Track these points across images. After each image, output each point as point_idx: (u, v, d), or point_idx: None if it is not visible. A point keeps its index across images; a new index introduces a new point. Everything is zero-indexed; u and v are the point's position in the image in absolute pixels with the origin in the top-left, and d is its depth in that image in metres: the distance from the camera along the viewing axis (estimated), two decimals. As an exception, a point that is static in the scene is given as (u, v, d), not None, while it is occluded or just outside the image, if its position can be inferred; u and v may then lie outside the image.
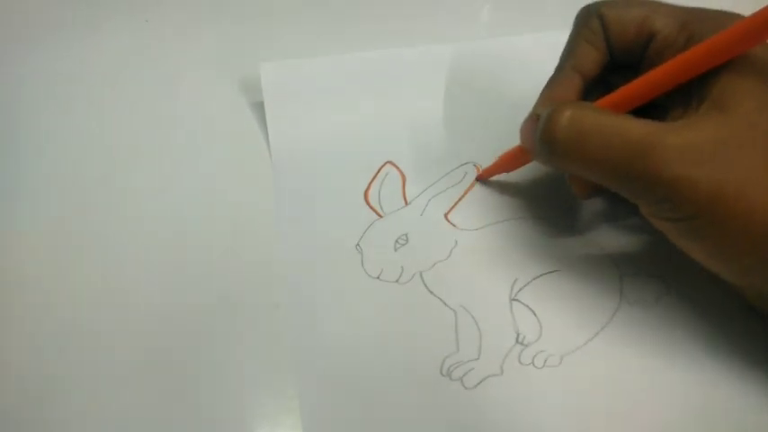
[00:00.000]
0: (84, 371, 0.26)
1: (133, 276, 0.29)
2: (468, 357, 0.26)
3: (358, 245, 0.29)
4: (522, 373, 0.26)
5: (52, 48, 0.37)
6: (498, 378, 0.26)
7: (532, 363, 0.26)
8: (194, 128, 0.34)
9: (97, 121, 0.34)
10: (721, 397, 0.25)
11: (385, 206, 0.30)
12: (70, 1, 0.39)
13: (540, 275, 0.28)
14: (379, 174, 0.31)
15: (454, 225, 0.30)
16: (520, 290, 0.28)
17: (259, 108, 0.34)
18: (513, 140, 0.28)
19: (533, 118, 0.25)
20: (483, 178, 0.31)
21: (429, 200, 0.31)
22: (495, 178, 0.31)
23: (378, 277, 0.28)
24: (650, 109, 0.24)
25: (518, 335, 0.27)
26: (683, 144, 0.21)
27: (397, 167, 0.32)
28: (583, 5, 0.27)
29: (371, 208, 0.30)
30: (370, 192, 0.31)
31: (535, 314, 0.27)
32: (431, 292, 0.28)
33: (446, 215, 0.30)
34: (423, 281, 0.28)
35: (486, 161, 0.31)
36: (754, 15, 0.20)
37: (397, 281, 0.28)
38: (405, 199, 0.31)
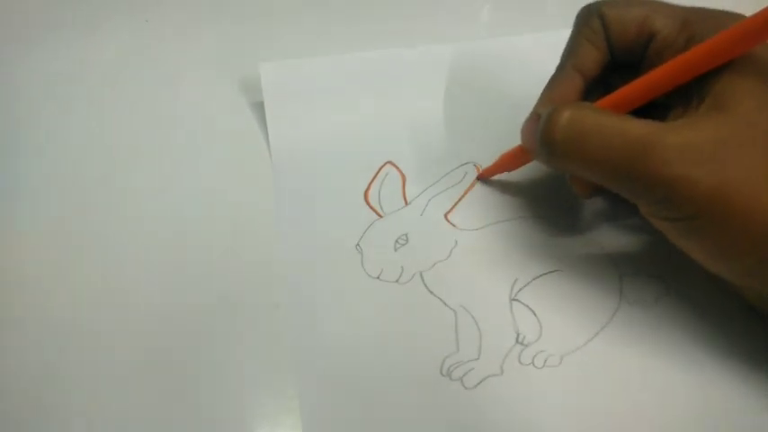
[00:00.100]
0: (84, 371, 0.26)
1: (133, 276, 0.29)
2: (468, 357, 0.26)
3: (358, 245, 0.29)
4: (522, 373, 0.26)
5: (52, 48, 0.37)
6: (498, 378, 0.26)
7: (532, 363, 0.26)
8: (194, 128, 0.34)
9: (97, 121, 0.34)
10: (721, 397, 0.25)
11: (385, 206, 0.30)
12: (70, 1, 0.39)
13: (540, 275, 0.28)
14: (379, 174, 0.31)
15: (454, 225, 0.30)
16: (520, 290, 0.28)
17: (259, 108, 0.34)
18: (513, 140, 0.29)
19: (534, 118, 0.25)
20: (484, 178, 0.31)
21: (429, 200, 0.31)
22: (495, 178, 0.31)
23: (378, 277, 0.28)
24: (651, 109, 0.24)
25: (518, 335, 0.27)
26: (683, 143, 0.21)
27: (397, 167, 0.32)
28: (583, 5, 0.27)
29: (371, 208, 0.30)
30: (370, 192, 0.31)
31: (535, 314, 0.27)
32: (431, 292, 0.28)
33: (446, 215, 0.30)
34: (423, 281, 0.28)
35: (486, 161, 0.31)
36: (755, 16, 0.20)
37: (397, 281, 0.28)
38: (405, 199, 0.31)
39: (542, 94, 0.27)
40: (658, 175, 0.21)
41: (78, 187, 0.32)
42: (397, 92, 0.34)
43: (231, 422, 0.25)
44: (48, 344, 0.27)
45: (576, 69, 0.26)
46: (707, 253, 0.23)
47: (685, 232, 0.23)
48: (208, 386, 0.26)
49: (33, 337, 0.27)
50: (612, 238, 0.29)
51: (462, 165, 0.32)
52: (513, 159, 0.29)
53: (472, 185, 0.31)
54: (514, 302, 0.28)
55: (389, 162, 0.32)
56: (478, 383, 0.26)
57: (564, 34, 0.27)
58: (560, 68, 0.27)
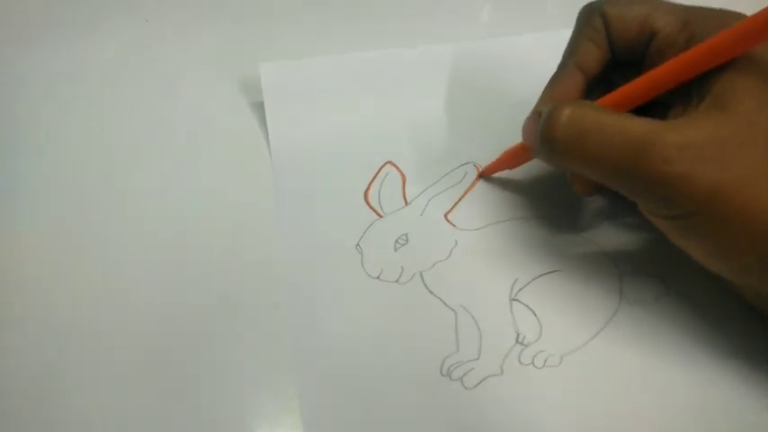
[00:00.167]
0: (84, 371, 0.26)
1: (133, 276, 0.29)
2: (468, 357, 0.26)
3: (358, 245, 0.29)
4: (522, 373, 0.26)
5: (52, 48, 0.37)
6: (498, 378, 0.26)
7: (532, 363, 0.26)
8: (194, 128, 0.34)
9: (97, 121, 0.34)
10: (721, 397, 0.25)
11: (385, 206, 0.30)
12: (70, 1, 0.39)
13: (540, 275, 0.28)
14: (379, 174, 0.31)
15: (454, 225, 0.30)
16: (520, 290, 0.28)
17: (259, 108, 0.34)
18: (513, 140, 0.29)
19: (535, 116, 0.25)
20: (485, 175, 0.31)
21: (429, 200, 0.31)
22: (496, 177, 0.31)
23: (378, 277, 0.28)
24: (651, 107, 0.24)
25: (518, 335, 0.27)
26: (683, 142, 0.21)
27: (397, 167, 0.32)
28: (585, 4, 0.27)
29: (371, 208, 0.30)
30: (370, 192, 0.31)
31: (535, 314, 0.27)
32: (431, 292, 0.28)
33: (446, 215, 0.30)
34: (423, 281, 0.28)
35: (486, 161, 0.31)
36: (756, 15, 0.20)
37: (397, 281, 0.28)
38: (405, 199, 0.31)
39: (543, 92, 0.27)
40: (658, 173, 0.21)
41: (78, 187, 0.32)
42: (397, 92, 0.34)
43: (231, 422, 0.25)
44: (48, 344, 0.27)
45: (578, 67, 0.26)
46: (706, 251, 0.23)
47: (684, 230, 0.23)
48: (208, 386, 0.26)
49: (33, 337, 0.27)
50: (612, 238, 0.29)
51: (462, 165, 0.32)
52: (514, 157, 0.29)
53: (472, 185, 0.31)
54: (514, 302, 0.28)
55: (389, 162, 0.32)
56: (478, 383, 0.26)
57: (564, 34, 0.27)
58: (562, 66, 0.27)
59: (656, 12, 0.25)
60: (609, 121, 0.22)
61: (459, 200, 0.31)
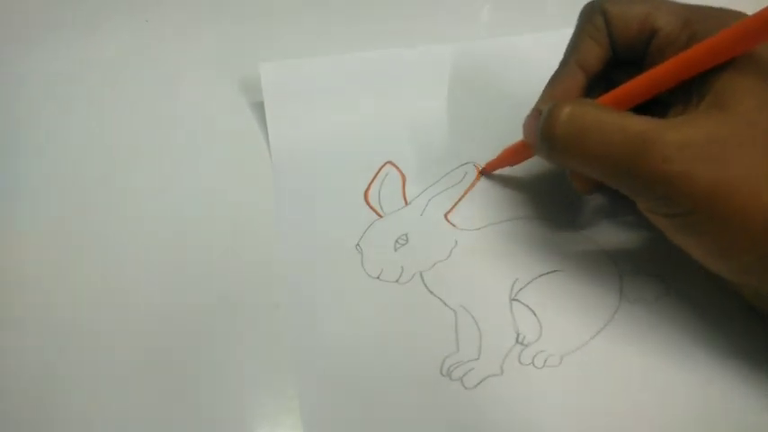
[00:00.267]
0: (84, 371, 0.26)
1: (133, 276, 0.29)
2: (468, 357, 0.26)
3: (358, 245, 0.29)
4: (522, 373, 0.26)
5: (52, 48, 0.37)
6: (498, 378, 0.26)
7: (532, 363, 0.26)
8: (194, 128, 0.34)
9: (97, 121, 0.34)
10: (721, 397, 0.25)
11: (385, 206, 0.30)
12: (70, 1, 0.39)
13: (540, 275, 0.28)
14: (379, 174, 0.31)
15: (454, 225, 0.30)
16: (520, 290, 0.28)
17: (259, 108, 0.34)
18: (513, 140, 0.29)
19: (535, 113, 0.25)
20: (486, 172, 0.31)
21: (429, 200, 0.31)
22: (496, 175, 0.31)
23: (378, 277, 0.28)
24: (652, 106, 0.24)
25: (518, 335, 0.27)
26: (682, 140, 0.21)
27: (397, 167, 0.32)
28: (586, 3, 0.27)
29: (371, 208, 0.30)
30: (370, 192, 0.31)
31: (535, 314, 0.27)
32: (431, 292, 0.28)
33: (446, 215, 0.30)
34: (423, 281, 0.28)
35: (486, 161, 0.31)
36: (756, 15, 0.20)
37: (397, 281, 0.28)
38: (405, 199, 0.31)
39: (544, 89, 0.27)
40: (657, 171, 0.21)
41: (78, 187, 0.32)
42: (397, 92, 0.34)
43: (231, 422, 0.25)
44: (48, 344, 0.27)
45: (579, 65, 0.26)
46: (705, 250, 0.23)
47: (684, 229, 0.23)
48: (208, 386, 0.26)
49: (33, 337, 0.27)
50: (612, 238, 0.29)
51: (462, 165, 0.32)
52: (514, 154, 0.29)
53: (472, 185, 0.31)
54: (514, 302, 0.28)
55: (389, 162, 0.32)
56: (478, 383, 0.26)
57: (564, 34, 0.27)
58: (563, 64, 0.27)
59: (656, 10, 0.25)
60: (609, 120, 0.22)
61: (459, 200, 0.31)
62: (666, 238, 0.24)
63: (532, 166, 0.30)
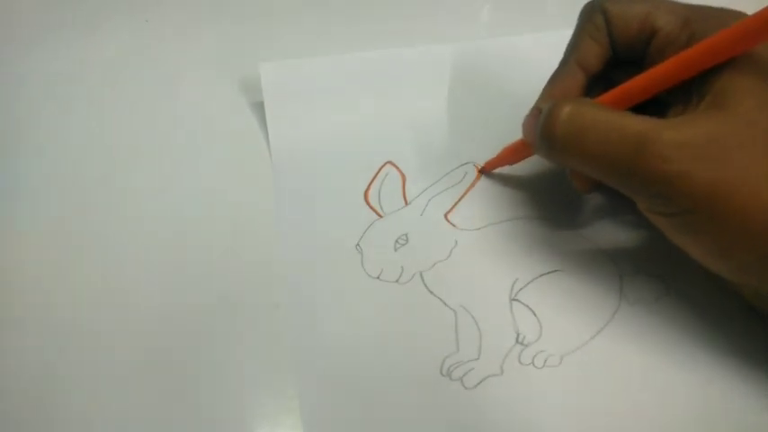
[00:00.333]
0: (84, 371, 0.26)
1: (133, 276, 0.29)
2: (468, 357, 0.26)
3: (358, 245, 0.29)
4: (522, 373, 0.26)
5: (52, 48, 0.37)
6: (498, 378, 0.26)
7: (532, 363, 0.26)
8: (194, 128, 0.34)
9: (97, 121, 0.34)
10: (721, 397, 0.25)
11: (385, 206, 0.30)
12: (70, 1, 0.39)
13: (541, 275, 0.28)
14: (379, 174, 0.31)
15: (454, 225, 0.30)
16: (520, 290, 0.28)
17: (259, 108, 0.34)
18: (513, 140, 0.29)
19: (535, 112, 0.25)
20: (486, 171, 0.31)
21: (429, 200, 0.31)
22: (496, 175, 0.31)
23: (378, 277, 0.28)
24: (651, 105, 0.24)
25: (518, 335, 0.27)
26: (681, 140, 0.21)
27: (397, 167, 0.32)
28: (586, 2, 0.27)
29: (371, 208, 0.30)
30: (370, 192, 0.31)
31: (535, 314, 0.27)
32: (431, 292, 0.28)
33: (446, 215, 0.30)
34: (423, 281, 0.28)
35: (486, 161, 0.31)
36: (756, 15, 0.20)
37: (397, 281, 0.28)
38: (405, 199, 0.31)
39: (544, 89, 0.27)
40: (656, 171, 0.21)
41: (78, 187, 0.32)
42: (397, 92, 0.34)
43: (231, 422, 0.25)
44: (48, 344, 0.27)
45: (579, 64, 0.26)
46: (704, 249, 0.23)
47: (683, 228, 0.23)
48: (208, 386, 0.26)
49: (33, 337, 0.27)
50: (612, 238, 0.29)
51: (462, 165, 0.32)
52: (514, 152, 0.29)
53: (472, 185, 0.31)
54: (514, 302, 0.28)
55: (389, 162, 0.32)
56: (478, 383, 0.26)
57: (564, 34, 0.27)
58: (563, 64, 0.27)
59: (657, 10, 0.25)
60: (608, 119, 0.22)
61: (460, 200, 0.31)
62: (666, 238, 0.24)
63: (532, 165, 0.30)
